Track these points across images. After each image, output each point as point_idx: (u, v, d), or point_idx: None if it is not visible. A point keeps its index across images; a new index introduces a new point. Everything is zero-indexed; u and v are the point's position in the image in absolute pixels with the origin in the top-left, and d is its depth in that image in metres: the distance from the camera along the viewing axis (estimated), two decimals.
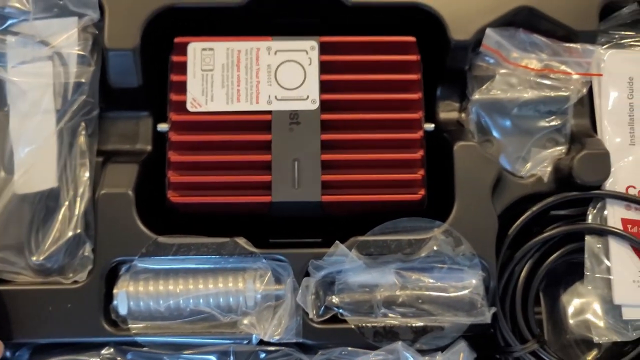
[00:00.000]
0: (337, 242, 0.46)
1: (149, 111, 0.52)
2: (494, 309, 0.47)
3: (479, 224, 0.47)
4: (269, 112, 0.48)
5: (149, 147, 0.52)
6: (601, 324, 0.49)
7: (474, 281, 0.47)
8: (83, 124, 0.50)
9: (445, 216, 0.48)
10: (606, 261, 0.49)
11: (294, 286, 0.46)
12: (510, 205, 0.50)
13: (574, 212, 0.51)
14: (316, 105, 0.48)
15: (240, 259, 0.47)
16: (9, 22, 0.50)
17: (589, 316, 0.50)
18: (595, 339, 0.49)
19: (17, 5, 0.50)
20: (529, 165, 0.51)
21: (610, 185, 0.49)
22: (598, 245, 0.49)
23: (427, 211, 0.49)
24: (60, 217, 0.48)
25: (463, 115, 0.52)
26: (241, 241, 0.47)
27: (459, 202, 0.48)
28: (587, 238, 0.49)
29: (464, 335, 0.46)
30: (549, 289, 0.53)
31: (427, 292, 0.47)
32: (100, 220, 0.47)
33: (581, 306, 0.51)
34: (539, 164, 0.51)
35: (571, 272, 0.52)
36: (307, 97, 0.48)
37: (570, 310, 0.52)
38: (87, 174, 0.49)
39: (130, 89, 0.50)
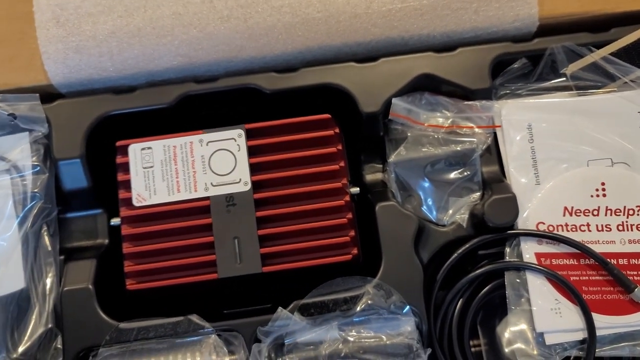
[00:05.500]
0: (280, 307, 0.51)
1: (103, 208, 0.57)
2: (429, 350, 0.51)
3: (405, 274, 0.52)
4: (207, 198, 0.53)
5: (106, 241, 0.57)
6: (529, 351, 0.54)
7: (408, 328, 0.52)
8: (45, 226, 0.55)
9: (379, 270, 0.53)
10: (525, 293, 0.54)
11: (247, 353, 0.51)
12: (437, 252, 0.55)
13: (498, 249, 0.56)
14: (248, 187, 0.53)
15: (196, 334, 0.52)
16: None
17: (520, 344, 0.54)
18: None
19: None
20: (450, 212, 0.57)
21: (522, 222, 0.55)
22: (517, 280, 0.54)
23: (366, 264, 0.55)
24: (33, 315, 0.53)
25: (385, 175, 0.58)
26: (194, 318, 0.52)
27: (386, 257, 0.53)
28: (507, 274, 0.54)
29: None
30: (486, 321, 0.58)
31: (367, 343, 0.52)
32: (66, 314, 0.52)
33: (513, 335, 0.54)
34: (458, 211, 0.56)
35: (505, 303, 0.57)
36: (240, 180, 0.54)
37: (505, 340, 0.56)
38: (52, 272, 0.54)
39: (82, 191, 0.55)
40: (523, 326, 0.54)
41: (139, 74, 0.56)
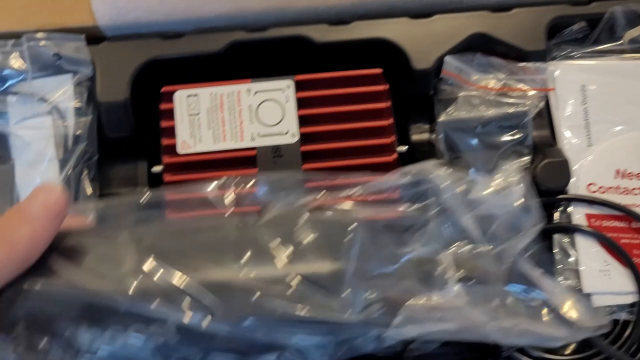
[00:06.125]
0: None
1: (144, 155, 0.56)
2: None
3: None
4: (254, 149, 0.52)
5: (146, 189, 0.56)
6: (575, 312, 0.52)
7: None
8: (86, 169, 0.54)
9: None
10: (574, 254, 0.52)
11: None
12: None
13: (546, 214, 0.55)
14: (296, 139, 0.52)
15: None
16: (9, 82, 0.55)
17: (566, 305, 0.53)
18: None
19: (15, 66, 0.55)
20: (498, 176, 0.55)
21: (572, 183, 0.53)
22: (565, 240, 0.53)
23: None
24: None
25: (433, 136, 0.57)
26: None
27: None
28: (555, 235, 0.53)
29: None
30: None
31: None
32: None
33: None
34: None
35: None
36: (287, 131, 0.52)
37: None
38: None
39: (124, 137, 0.54)
40: (568, 287, 0.53)
41: (187, 20, 0.55)
